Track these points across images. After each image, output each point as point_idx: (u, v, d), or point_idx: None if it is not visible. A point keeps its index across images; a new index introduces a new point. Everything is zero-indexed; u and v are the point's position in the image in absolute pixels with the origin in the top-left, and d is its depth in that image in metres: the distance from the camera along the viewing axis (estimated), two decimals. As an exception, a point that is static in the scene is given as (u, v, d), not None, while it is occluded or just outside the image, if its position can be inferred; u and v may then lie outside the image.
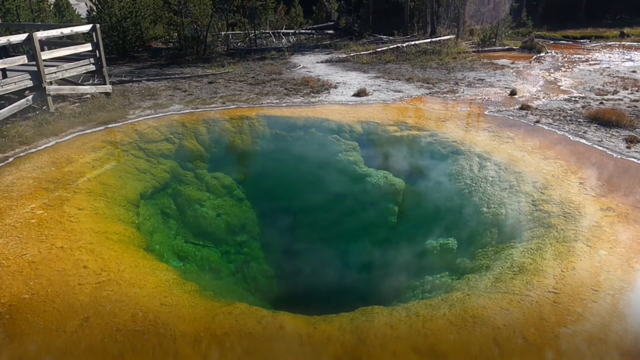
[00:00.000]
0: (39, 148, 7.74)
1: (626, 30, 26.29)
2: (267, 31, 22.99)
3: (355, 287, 6.39)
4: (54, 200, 5.96)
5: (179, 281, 4.78)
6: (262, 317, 4.09)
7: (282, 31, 23.72)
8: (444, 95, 11.78)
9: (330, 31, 25.46)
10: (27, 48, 10.85)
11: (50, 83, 9.86)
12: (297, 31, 24.58)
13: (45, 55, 9.51)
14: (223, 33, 21.40)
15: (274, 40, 22.56)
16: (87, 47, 10.58)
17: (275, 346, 3.70)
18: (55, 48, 10.19)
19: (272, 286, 6.58)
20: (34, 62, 9.18)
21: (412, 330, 3.88)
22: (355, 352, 3.64)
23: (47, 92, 9.40)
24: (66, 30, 10.11)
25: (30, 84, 9.13)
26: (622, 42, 23.40)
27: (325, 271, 6.74)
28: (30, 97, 9.24)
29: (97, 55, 10.79)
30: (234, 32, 22.90)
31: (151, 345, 3.66)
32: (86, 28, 10.69)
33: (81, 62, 10.50)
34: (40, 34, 9.27)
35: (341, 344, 3.72)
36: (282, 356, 3.60)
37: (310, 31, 25.22)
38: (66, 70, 10.06)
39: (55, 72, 9.75)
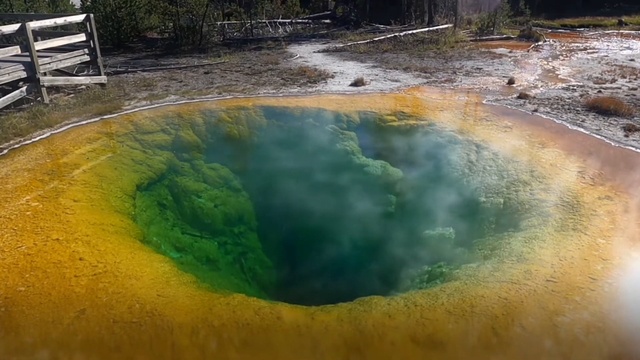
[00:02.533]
0: (33, 140, 7.67)
1: (624, 18, 26.16)
2: (263, 21, 22.77)
3: (352, 276, 6.38)
4: (49, 192, 5.91)
5: (175, 272, 4.75)
6: (260, 307, 4.07)
7: (278, 21, 23.50)
8: (442, 84, 11.71)
9: (327, 20, 25.27)
10: (21, 39, 10.70)
11: (45, 74, 9.75)
12: (293, 21, 24.37)
13: (39, 45, 9.39)
14: (219, 23, 21.20)
15: (270, 30, 22.36)
16: (81, 37, 10.45)
17: (272, 337, 3.68)
18: (49, 38, 10.06)
19: (270, 277, 6.57)
20: (27, 53, 9.07)
21: (411, 319, 3.87)
22: (353, 343, 3.62)
23: (41, 83, 9.30)
24: (59, 20, 9.99)
25: (23, 75, 9.02)
26: (620, 31, 23.30)
27: (322, 261, 6.73)
28: (24, 89, 9.14)
29: (92, 45, 10.67)
30: (230, 21, 22.70)
31: (148, 337, 3.64)
32: (80, 18, 10.56)
33: (75, 53, 10.38)
34: (33, 24, 9.16)
35: (339, 335, 3.71)
36: (279, 347, 3.59)
37: (306, 21, 25.01)
38: (60, 61, 9.95)
39: (49, 63, 9.64)
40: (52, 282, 4.26)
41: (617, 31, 23.19)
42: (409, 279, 5.42)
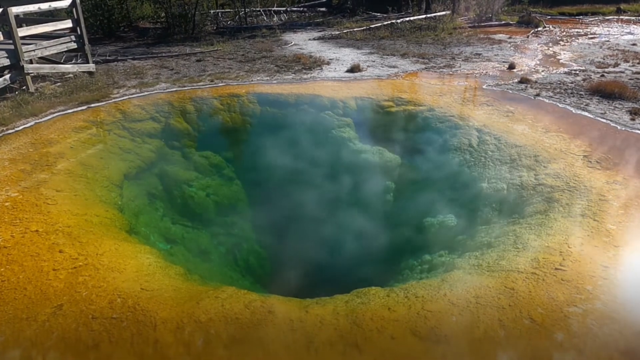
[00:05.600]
0: (17, 129, 7.36)
1: (622, 6, 25.80)
2: (257, 9, 22.34)
3: (350, 267, 6.13)
4: (30, 182, 5.62)
5: (162, 264, 4.48)
6: (251, 301, 3.80)
7: (273, 9, 23.07)
8: (441, 70, 11.40)
9: (323, 9, 24.86)
10: (7, 29, 10.26)
11: (30, 62, 9.41)
12: (288, 9, 23.94)
13: (23, 32, 9.02)
14: (212, 11, 20.78)
15: (264, 18, 21.94)
16: (67, 23, 10.09)
17: (263, 332, 3.42)
18: (33, 25, 9.69)
19: (265, 268, 6.31)
20: (10, 40, 8.73)
21: (411, 312, 3.61)
22: (350, 337, 3.37)
23: (25, 71, 8.96)
24: (44, 6, 9.59)
25: (7, 62, 8.67)
26: (620, 17, 22.96)
27: (319, 252, 6.48)
28: (7, 77, 8.80)
29: (79, 32, 10.30)
30: (223, 10, 22.27)
31: (129, 334, 3.38)
32: (65, 3, 10.15)
33: (62, 40, 10.01)
34: (16, 9, 8.78)
35: (335, 329, 3.45)
36: (271, 343, 3.32)
37: (302, 9, 24.59)
38: (45, 48, 9.58)
39: (33, 50, 9.28)
40: (28, 276, 3.99)
41: (617, 17, 22.85)
42: (409, 269, 5.16)
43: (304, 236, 6.78)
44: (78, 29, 10.27)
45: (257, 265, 6.31)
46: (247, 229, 6.87)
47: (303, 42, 16.09)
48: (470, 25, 19.71)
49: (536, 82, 9.97)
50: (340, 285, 4.53)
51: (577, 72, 10.88)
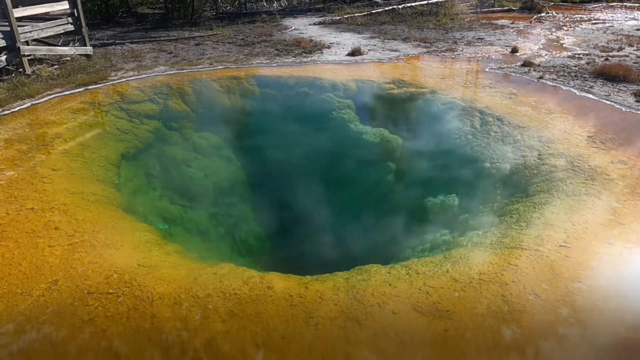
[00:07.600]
0: (12, 110, 7.25)
1: (626, -8, 25.45)
2: (257, -6, 22.06)
3: (351, 248, 6.06)
4: (26, 161, 5.54)
5: (159, 242, 4.42)
6: (249, 277, 3.74)
7: (273, -6, 22.77)
8: (443, 53, 11.25)
9: (324, -6, 24.52)
10: (3, 9, 10.07)
11: (27, 43, 9.26)
12: (288, -5, 23.63)
13: (18, 13, 8.86)
14: (212, -4, 20.50)
15: (264, 4, 21.65)
16: (64, 4, 9.93)
17: (262, 307, 3.36)
18: (29, 6, 9.52)
19: (264, 248, 6.24)
20: (6, 21, 8.58)
21: (413, 288, 3.55)
22: (350, 312, 3.30)
23: (22, 53, 8.82)
24: (39, -14, 9.44)
25: (2, 43, 8.53)
26: (624, 4, 22.69)
27: (321, 233, 6.40)
28: (3, 58, 8.67)
29: (75, 14, 10.15)
30: (223, -5, 21.96)
31: (125, 308, 3.31)
32: (62, -16, 10.00)
33: (58, 22, 9.86)
34: (12, -11, 8.62)
35: (335, 304, 3.39)
36: (269, 318, 3.26)
37: (302, -6, 24.26)
38: (42, 29, 9.44)
39: (30, 32, 9.14)
40: (23, 252, 3.92)
41: (620, 4, 22.58)
42: (410, 249, 5.09)
43: (303, 217, 6.70)
44: (75, 10, 10.12)
45: (256, 246, 6.24)
46: (246, 209, 6.80)
47: (303, 27, 15.89)
48: (472, 11, 19.47)
49: (539, 65, 9.83)
50: (340, 264, 4.47)
51: (581, 55, 10.73)
